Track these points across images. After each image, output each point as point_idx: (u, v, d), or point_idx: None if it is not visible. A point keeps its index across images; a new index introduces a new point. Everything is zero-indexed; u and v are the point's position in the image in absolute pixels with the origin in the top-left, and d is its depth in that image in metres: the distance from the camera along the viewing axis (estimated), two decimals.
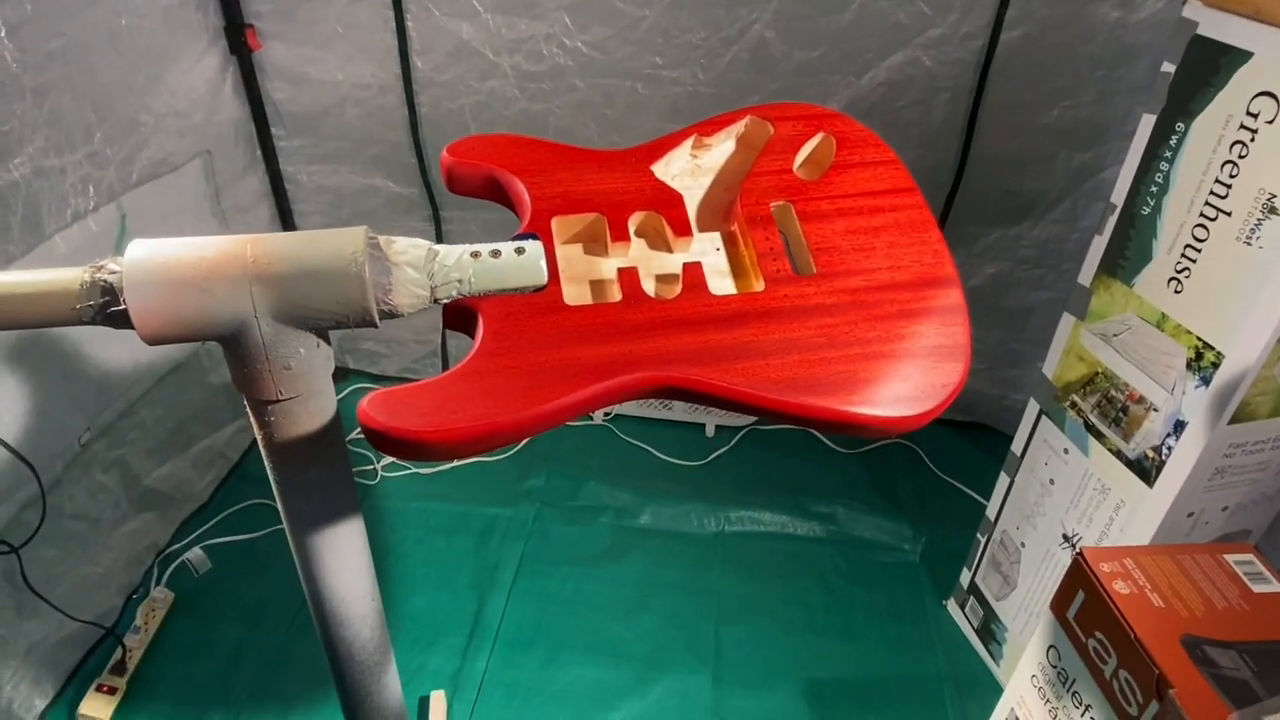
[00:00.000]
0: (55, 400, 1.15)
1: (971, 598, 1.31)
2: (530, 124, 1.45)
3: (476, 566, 1.42)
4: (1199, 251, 0.85)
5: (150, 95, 1.26)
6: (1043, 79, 1.31)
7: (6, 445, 1.02)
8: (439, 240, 1.63)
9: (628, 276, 0.57)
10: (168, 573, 1.37)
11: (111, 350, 1.26)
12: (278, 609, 1.33)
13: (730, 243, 0.62)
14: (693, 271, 0.57)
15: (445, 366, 1.82)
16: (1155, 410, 0.92)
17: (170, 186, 1.33)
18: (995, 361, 1.63)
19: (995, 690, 1.23)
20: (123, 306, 0.48)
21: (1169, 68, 0.85)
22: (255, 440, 1.76)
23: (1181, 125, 0.85)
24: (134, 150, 1.24)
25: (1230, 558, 0.79)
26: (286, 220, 1.63)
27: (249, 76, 1.45)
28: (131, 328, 0.48)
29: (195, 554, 1.38)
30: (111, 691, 1.19)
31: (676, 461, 1.65)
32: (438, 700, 1.20)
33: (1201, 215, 0.84)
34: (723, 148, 0.67)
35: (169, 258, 0.48)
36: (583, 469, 1.62)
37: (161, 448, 1.40)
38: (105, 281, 0.48)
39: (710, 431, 1.73)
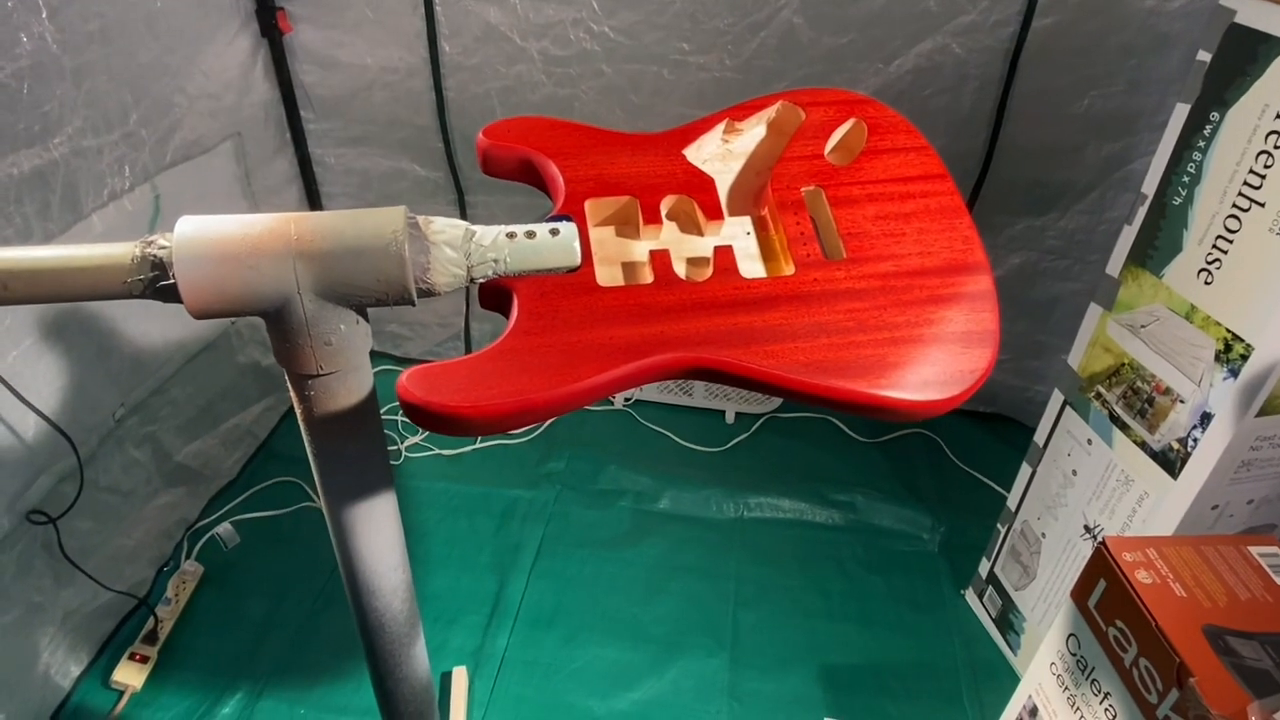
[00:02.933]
0: (91, 376, 1.18)
1: (990, 587, 1.32)
2: (556, 109, 1.46)
3: (498, 547, 1.44)
4: (1231, 243, 0.84)
5: (184, 77, 1.28)
6: (1074, 68, 1.30)
7: (47, 418, 1.05)
8: None
9: (659, 259, 0.58)
10: (197, 547, 1.40)
11: (144, 329, 1.28)
12: (304, 584, 1.36)
13: (760, 227, 0.63)
14: (724, 255, 0.58)
15: (468, 350, 1.84)
16: (1182, 402, 0.92)
17: (202, 168, 1.35)
18: (1019, 353, 1.62)
19: (1012, 679, 1.24)
20: (172, 281, 0.49)
21: (1205, 56, 0.84)
22: (282, 419, 1.78)
23: (1216, 115, 0.84)
24: (168, 131, 1.26)
25: (1254, 549, 0.79)
26: (314, 202, 1.65)
27: (279, 59, 1.47)
28: (180, 301, 0.50)
29: (224, 529, 1.41)
30: (144, 660, 1.22)
31: (696, 447, 1.66)
32: (459, 676, 1.22)
33: (1234, 206, 0.83)
34: (754, 132, 0.68)
35: (216, 234, 0.50)
36: (603, 453, 1.63)
37: (191, 425, 1.43)
38: (155, 256, 0.50)
39: (730, 418, 1.73)
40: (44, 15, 1.01)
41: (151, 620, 1.26)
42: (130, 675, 1.20)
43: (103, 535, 1.23)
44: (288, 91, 1.51)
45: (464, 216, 1.63)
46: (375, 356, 1.86)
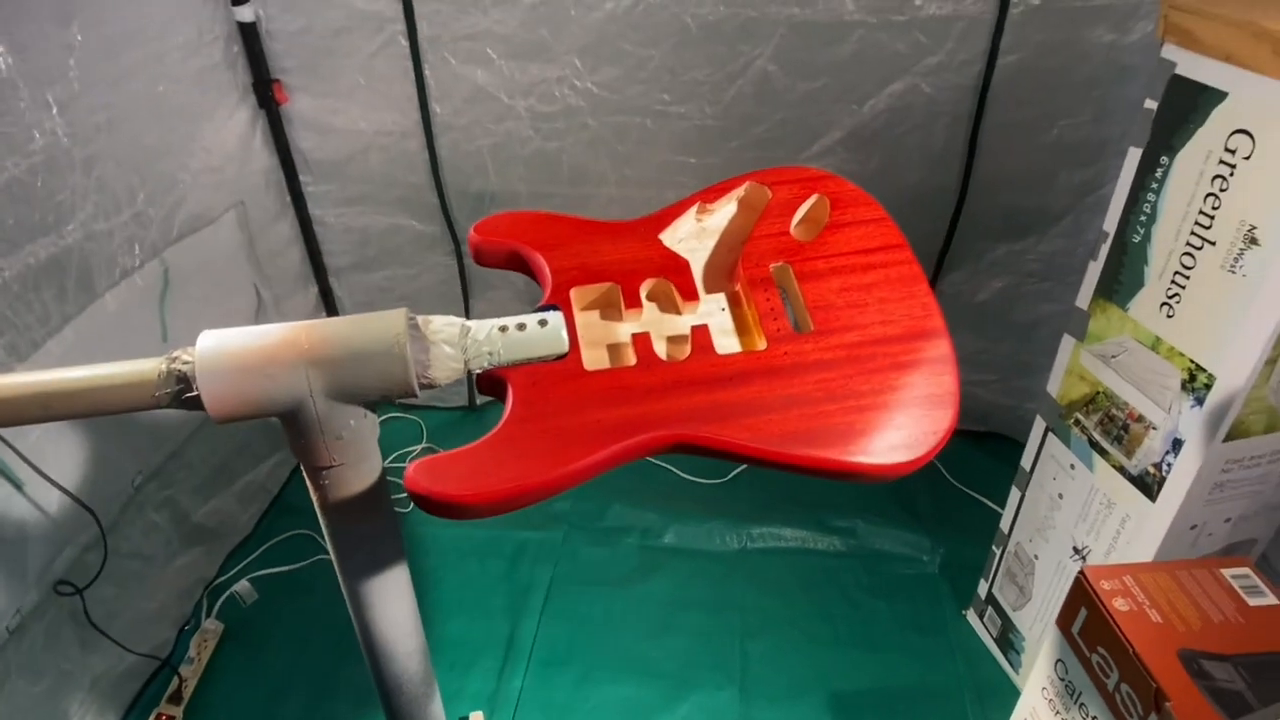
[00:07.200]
0: (110, 448, 1.22)
1: (989, 608, 1.35)
2: (545, 162, 1.52)
3: (509, 589, 1.48)
4: (1187, 278, 0.88)
5: (187, 154, 1.34)
6: (1041, 100, 1.35)
7: (70, 494, 1.09)
8: (461, 277, 1.69)
9: (641, 341, 0.62)
10: (217, 604, 1.44)
11: None
12: (323, 637, 1.40)
13: (734, 302, 0.67)
14: (700, 334, 0.62)
15: (470, 394, 1.89)
16: (1154, 429, 0.96)
17: (208, 239, 1.41)
18: (1006, 373, 1.66)
19: (1015, 697, 1.26)
20: (195, 393, 0.54)
21: (1151, 104, 0.89)
22: (293, 473, 1.80)
23: (1165, 159, 0.89)
24: (174, 207, 1.31)
25: (1227, 572, 0.83)
26: (316, 261, 1.70)
27: (277, 128, 1.53)
28: (203, 410, 0.55)
29: (242, 585, 1.45)
30: None
31: (698, 480, 1.70)
32: None
33: (1188, 244, 0.88)
34: (725, 210, 0.73)
35: (234, 347, 0.55)
36: (608, 491, 1.67)
37: (206, 485, 1.48)
38: (179, 371, 0.54)
39: None
40: (54, 111, 1.07)
41: (175, 680, 1.30)
42: None
43: (125, 600, 1.28)
44: (286, 158, 1.56)
45: (460, 266, 1.68)
46: (381, 405, 1.91)
